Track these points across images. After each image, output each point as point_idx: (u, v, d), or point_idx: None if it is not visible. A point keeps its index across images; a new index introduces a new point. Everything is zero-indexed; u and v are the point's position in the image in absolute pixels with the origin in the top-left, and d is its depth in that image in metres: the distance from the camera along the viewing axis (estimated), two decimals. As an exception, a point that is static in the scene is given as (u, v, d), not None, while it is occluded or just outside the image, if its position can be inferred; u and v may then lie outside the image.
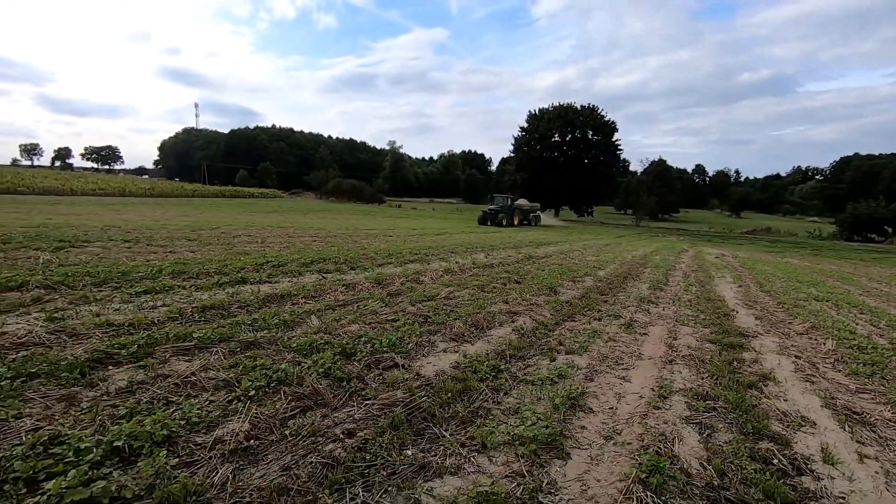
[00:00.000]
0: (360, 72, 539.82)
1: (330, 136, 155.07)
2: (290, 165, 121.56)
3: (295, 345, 3.71)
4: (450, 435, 2.62)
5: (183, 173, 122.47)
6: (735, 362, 4.56)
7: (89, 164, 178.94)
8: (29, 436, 2.17)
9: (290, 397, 2.81)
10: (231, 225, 17.44)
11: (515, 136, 58.48)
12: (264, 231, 15.24)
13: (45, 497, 1.76)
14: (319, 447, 2.38)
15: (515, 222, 38.44)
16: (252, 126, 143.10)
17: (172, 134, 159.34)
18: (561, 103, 56.50)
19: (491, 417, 2.88)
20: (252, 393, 2.81)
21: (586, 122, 55.63)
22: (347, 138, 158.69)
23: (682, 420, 3.14)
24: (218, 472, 2.08)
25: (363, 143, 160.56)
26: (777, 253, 30.37)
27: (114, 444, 2.09)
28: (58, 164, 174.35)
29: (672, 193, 68.68)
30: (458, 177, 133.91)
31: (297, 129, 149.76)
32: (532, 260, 12.24)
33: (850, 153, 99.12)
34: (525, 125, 58.08)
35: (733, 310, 7.53)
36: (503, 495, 2.09)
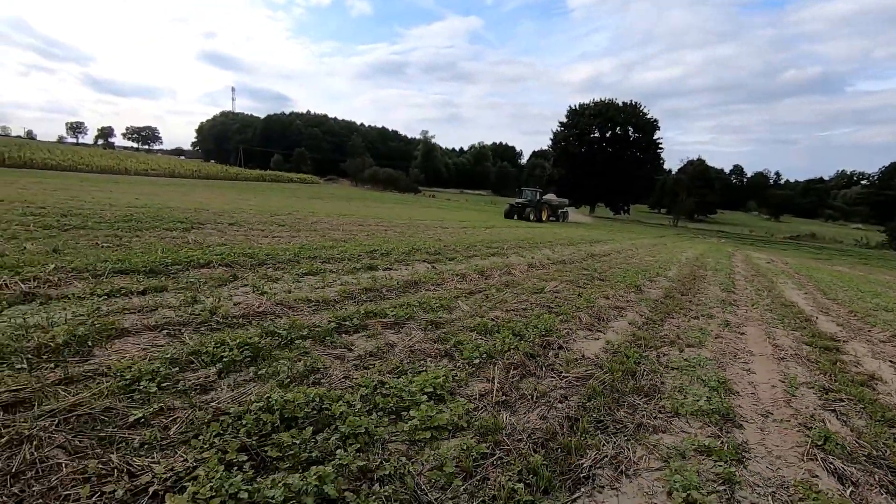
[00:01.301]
0: (392, 59, 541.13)
1: (362, 124, 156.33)
2: (323, 152, 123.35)
3: (471, 325, 4.39)
4: (643, 404, 3.25)
5: (219, 155, 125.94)
6: (839, 363, 5.04)
7: (129, 144, 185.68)
8: (348, 381, 2.90)
9: (502, 367, 3.48)
10: (297, 210, 18.40)
11: (554, 130, 58.50)
12: (333, 218, 16.10)
13: (407, 424, 2.46)
14: (553, 405, 3.04)
15: (544, 217, 37.20)
16: (287, 112, 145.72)
17: (209, 117, 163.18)
18: (602, 99, 56.37)
19: (664, 394, 3.50)
20: (476, 361, 3.49)
21: (627, 119, 55.14)
22: (379, 126, 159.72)
23: (819, 407, 3.69)
24: (500, 414, 2.76)
25: (395, 132, 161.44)
26: (824, 260, 29.91)
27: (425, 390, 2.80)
28: (100, 142, 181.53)
29: (711, 194, 67.45)
30: (488, 169, 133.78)
31: (330, 115, 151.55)
32: (596, 258, 12.73)
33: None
34: (564, 120, 57.89)
35: (812, 316, 7.92)
36: (716, 448, 2.71)
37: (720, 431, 2.98)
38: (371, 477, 2.00)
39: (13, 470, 1.76)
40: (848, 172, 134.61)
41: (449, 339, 3.92)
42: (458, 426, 2.54)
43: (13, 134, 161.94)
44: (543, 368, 3.63)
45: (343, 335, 3.80)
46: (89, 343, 3.05)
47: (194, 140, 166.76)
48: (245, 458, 1.96)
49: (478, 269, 7.98)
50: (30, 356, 2.78)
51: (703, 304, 7.71)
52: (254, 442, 2.09)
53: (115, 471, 1.81)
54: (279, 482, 1.80)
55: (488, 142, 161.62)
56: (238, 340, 3.24)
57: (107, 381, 2.51)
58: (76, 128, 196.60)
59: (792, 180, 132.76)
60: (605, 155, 54.30)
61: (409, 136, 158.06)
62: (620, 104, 55.06)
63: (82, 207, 10.72)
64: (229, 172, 59.42)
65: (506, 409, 2.90)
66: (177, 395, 2.51)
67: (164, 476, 1.80)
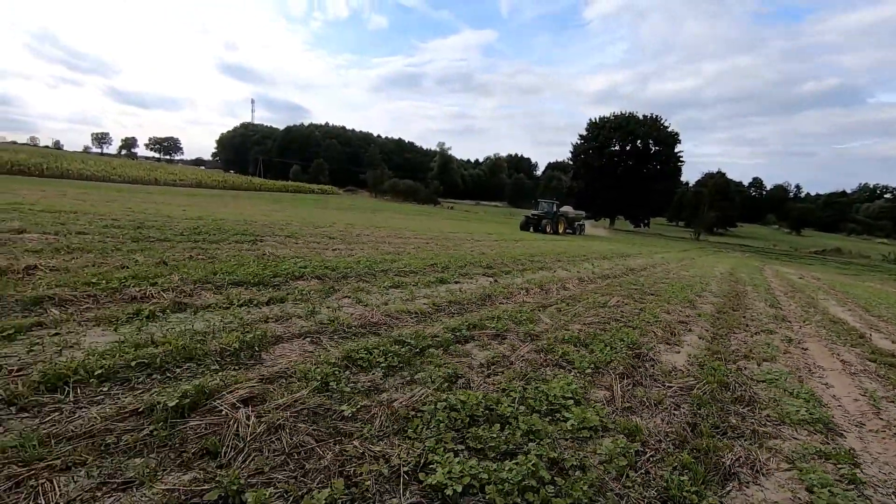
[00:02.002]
0: (407, 71, 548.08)
1: (379, 136, 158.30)
2: (340, 162, 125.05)
3: (562, 337, 4.74)
4: (748, 413, 3.55)
5: (238, 166, 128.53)
6: (907, 378, 5.26)
7: (151, 154, 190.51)
8: (490, 385, 3.26)
9: (614, 377, 3.82)
10: (335, 222, 18.92)
11: (574, 143, 58.85)
12: (373, 230, 16.57)
13: (567, 424, 2.81)
14: (671, 411, 3.36)
15: (560, 230, 36.93)
16: (305, 123, 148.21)
17: (229, 128, 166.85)
18: (622, 112, 56.51)
19: (762, 404, 3.79)
20: (588, 371, 3.84)
21: (648, 132, 55.35)
22: (396, 137, 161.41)
23: (906, 419, 3.95)
24: (632, 418, 3.10)
25: (410, 143, 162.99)
26: (851, 276, 29.64)
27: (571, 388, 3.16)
28: (124, 152, 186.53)
29: (731, 207, 67.07)
30: (503, 180, 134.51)
31: (348, 127, 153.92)
32: (636, 272, 12.98)
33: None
34: (584, 133, 58.29)
35: (864, 333, 8.08)
36: (832, 453, 3.00)
37: (827, 439, 3.28)
38: (561, 466, 2.35)
39: (286, 451, 2.15)
40: (871, 186, 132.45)
41: (553, 350, 4.26)
42: (605, 426, 2.89)
43: (41, 144, 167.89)
44: (647, 378, 3.96)
45: (458, 344, 4.17)
46: (256, 348, 3.46)
47: (214, 151, 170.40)
48: (461, 447, 2.33)
49: (535, 283, 8.32)
50: (217, 358, 3.20)
51: (756, 319, 7.93)
52: (455, 435, 2.46)
53: (366, 454, 2.18)
54: (505, 467, 2.16)
55: (503, 153, 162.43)
56: (381, 348, 3.63)
57: (300, 382, 2.91)
58: (101, 138, 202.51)
59: (812, 193, 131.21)
60: (626, 168, 54.56)
61: (425, 148, 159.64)
62: (641, 117, 55.44)
63: (148, 219, 11.29)
64: (253, 183, 60.69)
65: (633, 413, 3.23)
66: (361, 394, 2.89)
67: (407, 460, 2.17)
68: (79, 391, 2.48)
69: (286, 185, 66.15)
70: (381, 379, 3.17)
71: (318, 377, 2.97)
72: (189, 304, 4.24)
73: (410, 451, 2.25)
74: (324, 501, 1.80)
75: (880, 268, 39.12)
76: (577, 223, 40.57)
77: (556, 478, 2.20)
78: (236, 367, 3.13)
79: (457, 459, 2.18)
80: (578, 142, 57.88)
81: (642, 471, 2.49)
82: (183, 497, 1.79)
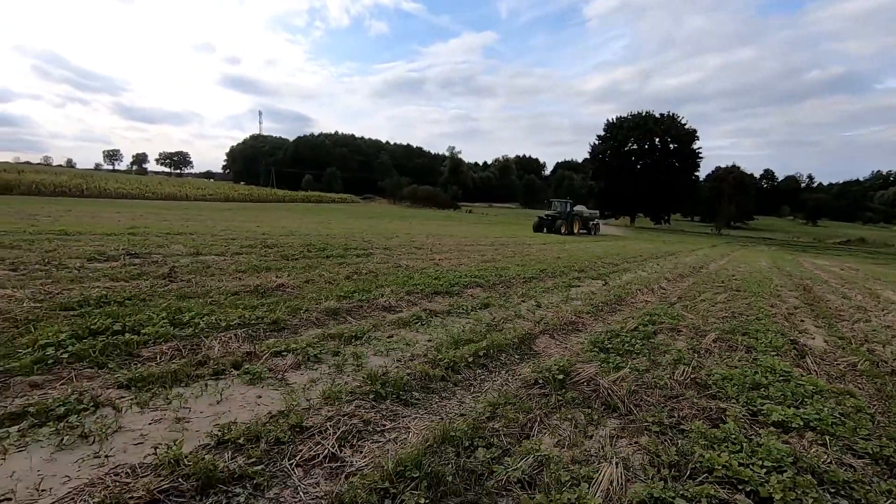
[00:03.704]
0: (409, 76, 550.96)
1: (388, 142, 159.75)
2: (352, 171, 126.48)
3: (726, 328, 5.68)
4: (912, 381, 4.48)
5: (248, 177, 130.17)
6: None
7: (161, 168, 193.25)
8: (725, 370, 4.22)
9: (793, 354, 4.75)
10: (394, 232, 19.95)
11: (592, 143, 59.84)
12: (432, 239, 17.47)
13: (802, 389, 3.77)
14: (862, 381, 4.29)
15: (575, 230, 36.31)
16: (312, 133, 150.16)
17: (237, 140, 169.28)
18: (640, 111, 57.65)
19: (914, 375, 4.71)
20: (778, 351, 4.78)
21: (666, 130, 56.21)
22: (404, 143, 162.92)
23: None
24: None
25: (419, 149, 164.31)
26: (883, 265, 30.21)
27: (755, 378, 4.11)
28: (135, 168, 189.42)
29: (749, 201, 67.63)
30: (513, 182, 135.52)
31: (353, 133, 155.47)
32: (699, 270, 13.86)
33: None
34: (602, 133, 59.34)
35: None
36: None
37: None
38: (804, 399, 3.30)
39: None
40: (884, 173, 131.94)
41: (730, 339, 5.22)
42: (820, 390, 3.83)
43: (54, 163, 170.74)
44: (816, 358, 4.89)
45: (654, 336, 5.14)
46: (526, 342, 4.46)
47: (224, 163, 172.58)
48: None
49: (635, 284, 9.27)
50: (515, 355, 4.19)
51: (843, 309, 8.78)
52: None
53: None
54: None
55: (510, 154, 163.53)
56: (619, 338, 4.63)
57: (587, 365, 3.89)
58: (112, 155, 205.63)
59: (821, 182, 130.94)
60: (645, 166, 55.49)
61: (433, 152, 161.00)
62: (658, 116, 56.48)
63: (250, 237, 12.24)
64: (276, 195, 62.11)
65: (836, 382, 4.16)
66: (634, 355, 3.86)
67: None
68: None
69: (307, 196, 67.54)
70: (643, 358, 4.15)
71: (597, 360, 3.96)
72: (432, 311, 5.25)
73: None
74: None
75: (907, 255, 39.52)
76: (591, 223, 40.25)
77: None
78: (527, 358, 4.12)
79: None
80: (596, 142, 59.14)
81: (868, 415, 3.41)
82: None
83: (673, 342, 5.02)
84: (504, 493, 2.12)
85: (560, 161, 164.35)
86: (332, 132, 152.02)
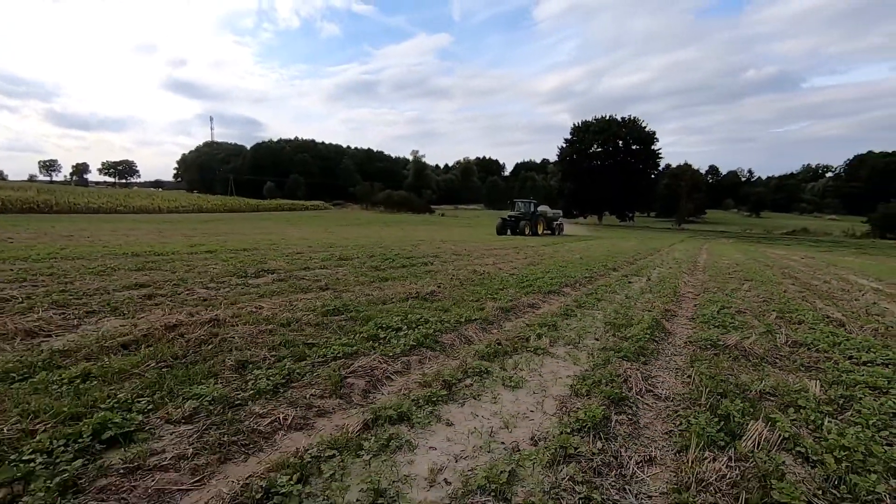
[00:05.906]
0: (363, 79, 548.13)
1: (349, 147, 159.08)
2: (314, 176, 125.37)
3: (770, 309, 7.42)
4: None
5: (203, 186, 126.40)
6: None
7: (103, 179, 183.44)
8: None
9: (836, 326, 6.51)
10: (402, 239, 21.09)
11: (560, 147, 63.05)
12: (452, 245, 18.82)
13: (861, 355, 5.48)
14: None
15: (539, 231, 35.59)
16: (267, 137, 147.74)
17: (187, 147, 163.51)
18: (604, 116, 61.27)
19: (916, 334, 6.57)
20: (828, 323, 6.52)
21: (629, 133, 60.07)
22: (365, 148, 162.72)
23: None
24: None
25: (379, 153, 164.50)
26: (826, 252, 33.94)
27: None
28: (75, 178, 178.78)
29: (703, 197, 73.01)
30: (475, 184, 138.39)
31: (317, 139, 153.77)
32: (699, 265, 15.95)
33: (858, 149, 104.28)
34: (569, 137, 62.59)
35: (904, 294, 11.18)
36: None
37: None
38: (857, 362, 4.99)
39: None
40: (813, 166, 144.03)
41: (786, 317, 6.94)
42: (874, 347, 5.55)
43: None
44: (859, 328, 6.68)
45: (738, 315, 6.78)
46: (661, 326, 5.98)
47: (175, 171, 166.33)
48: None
49: (668, 278, 11.03)
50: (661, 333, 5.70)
51: (841, 291, 10.85)
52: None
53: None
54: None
55: (470, 157, 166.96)
56: (723, 318, 6.23)
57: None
58: (49, 166, 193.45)
59: (760, 176, 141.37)
60: (610, 167, 59.15)
61: (393, 156, 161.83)
62: (620, 119, 60.44)
63: (325, 249, 13.21)
64: (250, 204, 61.37)
65: (885, 349, 5.92)
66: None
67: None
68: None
69: (280, 204, 67.06)
70: (745, 331, 5.76)
71: (719, 333, 5.53)
72: (568, 305, 6.69)
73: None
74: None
75: (846, 243, 44.41)
76: (555, 223, 39.54)
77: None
78: (666, 335, 5.64)
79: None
80: (564, 146, 62.52)
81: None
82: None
83: (749, 321, 6.68)
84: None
85: (519, 161, 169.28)
86: (292, 138, 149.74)
